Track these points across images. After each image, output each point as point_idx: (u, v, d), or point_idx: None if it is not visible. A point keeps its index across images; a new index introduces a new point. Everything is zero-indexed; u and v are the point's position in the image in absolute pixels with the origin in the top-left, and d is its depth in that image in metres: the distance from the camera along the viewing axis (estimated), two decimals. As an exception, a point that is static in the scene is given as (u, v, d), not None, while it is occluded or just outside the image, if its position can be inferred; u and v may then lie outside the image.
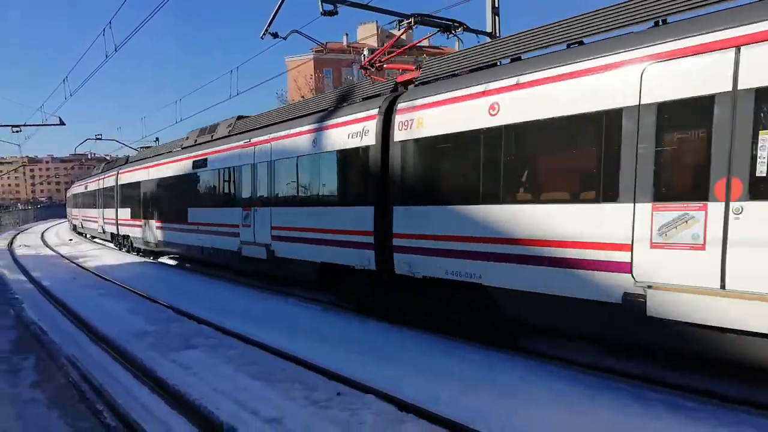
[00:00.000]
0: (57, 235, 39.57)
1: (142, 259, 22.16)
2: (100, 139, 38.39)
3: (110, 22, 14.12)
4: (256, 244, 13.24)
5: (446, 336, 8.72)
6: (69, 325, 10.69)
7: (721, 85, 5.52)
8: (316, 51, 62.38)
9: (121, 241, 26.16)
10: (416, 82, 9.48)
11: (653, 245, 5.96)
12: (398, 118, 9.15)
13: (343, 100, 11.22)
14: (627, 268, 6.14)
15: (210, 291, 13.92)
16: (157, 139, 41.49)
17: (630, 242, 6.11)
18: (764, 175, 5.28)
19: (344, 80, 59.11)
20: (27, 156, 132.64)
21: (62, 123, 26.23)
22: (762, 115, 5.32)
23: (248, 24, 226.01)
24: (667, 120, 5.93)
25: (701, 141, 5.75)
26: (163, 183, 19.81)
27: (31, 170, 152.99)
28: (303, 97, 41.09)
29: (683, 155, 6.08)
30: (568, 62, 6.83)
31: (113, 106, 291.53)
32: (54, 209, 78.49)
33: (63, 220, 57.59)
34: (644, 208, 6.00)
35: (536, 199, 7.20)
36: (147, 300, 12.51)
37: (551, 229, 6.85)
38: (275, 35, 11.58)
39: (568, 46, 7.22)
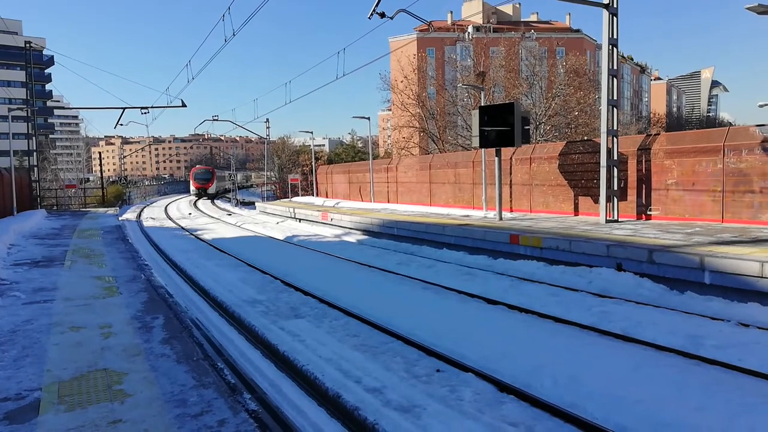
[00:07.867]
0: (178, 209, 42.97)
1: (253, 233, 23.54)
2: (216, 119, 41.13)
3: (229, 8, 14.93)
4: None
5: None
6: (190, 291, 11.68)
7: None
8: (419, 30, 62.15)
9: None
10: None
11: None
12: None
13: None
14: None
15: (315, 264, 14.54)
16: (267, 119, 43.42)
17: None
18: None
19: (447, 59, 58.42)
20: (153, 136, 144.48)
21: (184, 105, 28.25)
22: None
23: (353, 5, 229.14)
24: None
25: None
26: None
27: (156, 149, 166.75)
28: (406, 77, 41.09)
29: None
30: None
31: (229, 88, 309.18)
32: (174, 185, 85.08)
33: (182, 196, 62.42)
34: None
35: None
36: (258, 271, 13.31)
37: None
38: (382, 15, 11.66)
39: None
